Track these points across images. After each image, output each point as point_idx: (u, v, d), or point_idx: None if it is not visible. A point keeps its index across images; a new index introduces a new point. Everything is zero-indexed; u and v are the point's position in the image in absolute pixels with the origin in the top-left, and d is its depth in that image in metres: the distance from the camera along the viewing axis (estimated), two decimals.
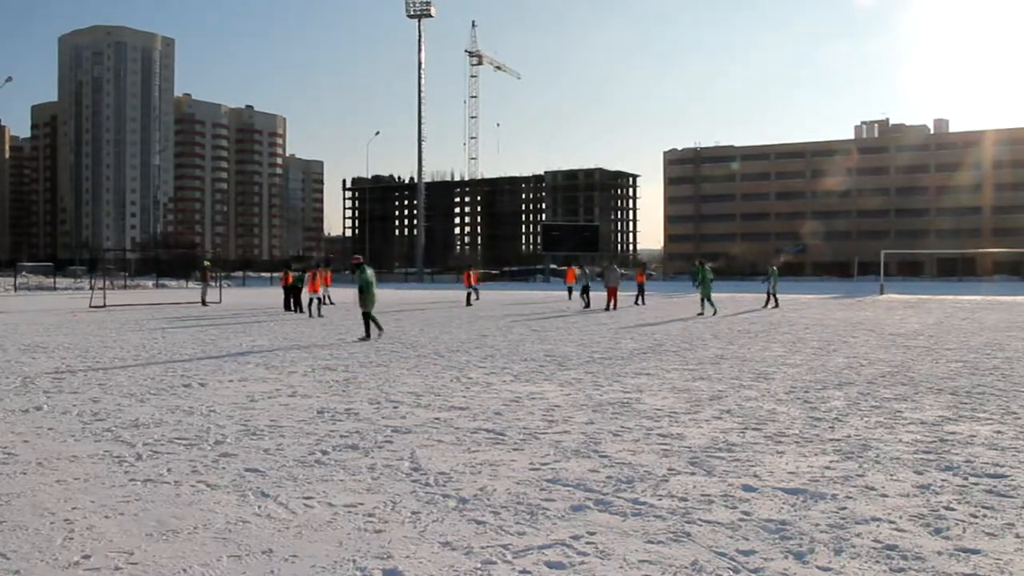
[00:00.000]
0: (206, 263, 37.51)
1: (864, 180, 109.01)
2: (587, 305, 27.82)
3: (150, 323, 20.59)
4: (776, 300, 28.18)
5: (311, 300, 23.98)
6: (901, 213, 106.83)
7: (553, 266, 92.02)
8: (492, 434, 6.73)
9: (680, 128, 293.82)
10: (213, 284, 33.29)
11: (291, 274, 26.97)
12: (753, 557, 3.89)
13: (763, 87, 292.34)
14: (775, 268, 29.52)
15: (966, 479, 5.27)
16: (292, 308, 25.64)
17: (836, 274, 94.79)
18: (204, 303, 29.72)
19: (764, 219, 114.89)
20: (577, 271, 32.32)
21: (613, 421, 7.29)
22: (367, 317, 15.68)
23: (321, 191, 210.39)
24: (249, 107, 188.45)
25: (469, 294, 31.30)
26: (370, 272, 15.75)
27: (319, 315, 23.22)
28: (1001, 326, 18.97)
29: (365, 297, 15.51)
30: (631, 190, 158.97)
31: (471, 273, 33.44)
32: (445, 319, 22.26)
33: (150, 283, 59.36)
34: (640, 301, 30.12)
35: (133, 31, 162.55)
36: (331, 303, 30.16)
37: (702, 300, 23.92)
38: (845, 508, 4.64)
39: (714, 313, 23.57)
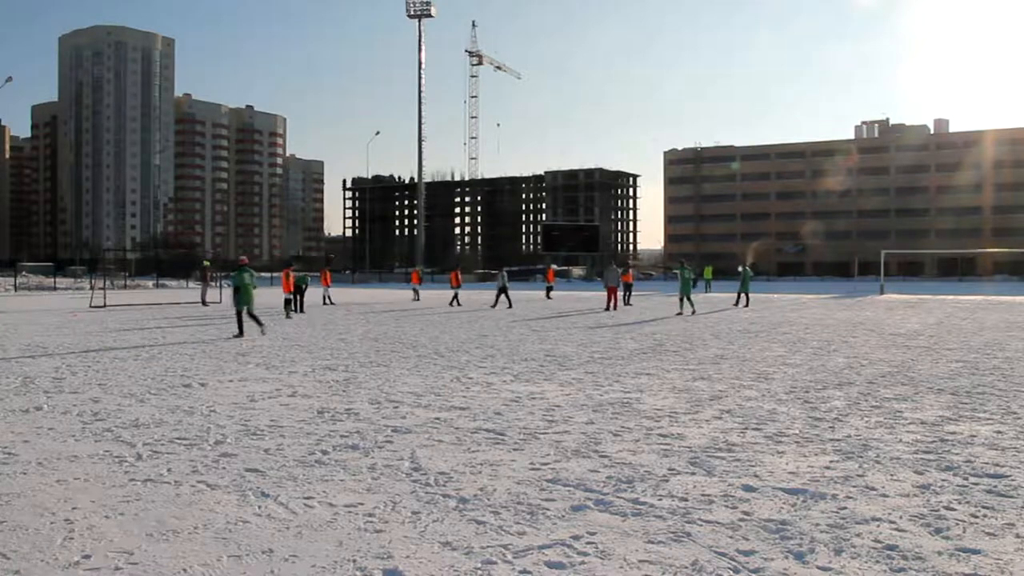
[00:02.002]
0: (206, 263, 37.53)
1: (864, 180, 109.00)
2: (494, 305, 28.50)
3: (150, 323, 20.59)
4: (745, 298, 28.78)
5: (286, 300, 23.60)
6: (901, 213, 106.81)
7: (553, 266, 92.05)
8: (492, 434, 6.73)
9: (680, 128, 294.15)
10: (213, 284, 33.27)
11: (292, 274, 26.94)
12: (753, 557, 3.89)
13: (763, 87, 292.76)
14: (746, 267, 30.55)
15: (966, 479, 5.27)
16: (292, 308, 25.63)
17: (836, 274, 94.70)
18: (204, 303, 29.71)
19: (764, 219, 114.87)
20: (506, 272, 32.36)
21: (613, 421, 7.29)
22: (239, 315, 16.51)
23: (321, 191, 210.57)
24: (249, 107, 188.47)
25: (456, 295, 31.14)
26: (248, 275, 16.69)
27: (287, 316, 22.78)
28: (1001, 326, 18.96)
29: (239, 296, 16.51)
30: (631, 190, 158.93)
31: (458, 274, 33.06)
32: (445, 319, 22.25)
33: (150, 283, 59.31)
34: (627, 301, 30.09)
35: (133, 31, 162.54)
36: (332, 303, 30.21)
37: (680, 299, 24.24)
38: (845, 508, 4.64)
39: (692, 312, 23.71)
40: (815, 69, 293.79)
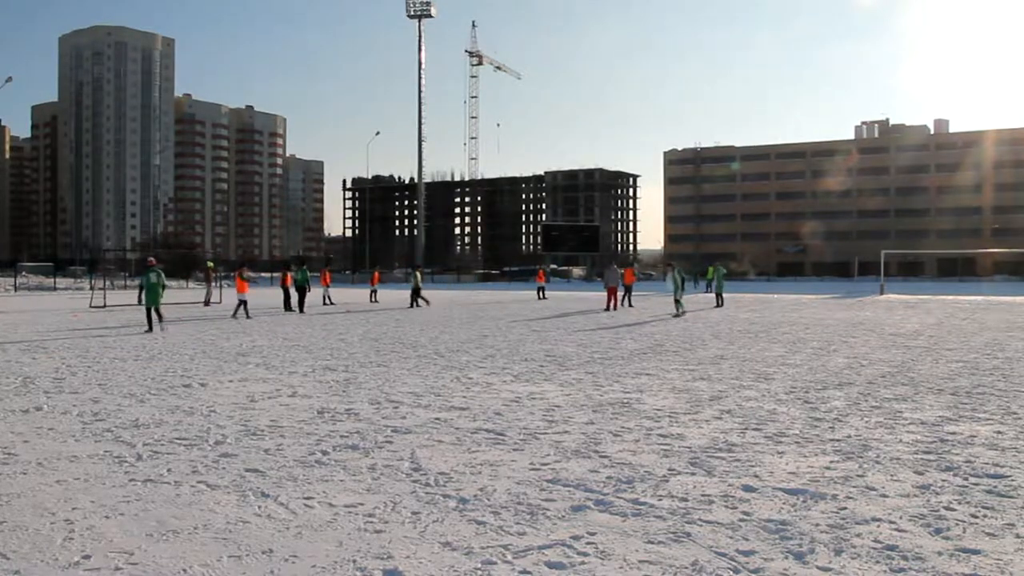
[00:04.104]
0: (210, 264, 37.52)
1: (864, 180, 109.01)
2: (411, 305, 28.99)
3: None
4: (721, 299, 29.38)
5: (240, 303, 22.97)
6: (901, 213, 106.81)
7: (554, 266, 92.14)
8: (492, 434, 6.73)
9: (680, 128, 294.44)
10: (214, 284, 33.25)
11: (289, 274, 27.03)
12: (753, 557, 3.89)
13: (763, 87, 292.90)
14: (720, 267, 31.64)
15: (966, 479, 5.27)
16: (291, 308, 25.64)
17: (836, 274, 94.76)
18: (207, 303, 29.73)
19: (764, 219, 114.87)
20: (419, 273, 32.50)
21: (613, 421, 7.29)
22: (148, 311, 17.74)
23: (321, 191, 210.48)
24: (249, 107, 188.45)
25: (419, 294, 30.78)
26: (154, 275, 17.82)
27: (247, 317, 22.27)
28: (1001, 326, 18.96)
29: (144, 294, 17.86)
30: (631, 190, 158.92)
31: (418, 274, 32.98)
32: (445, 319, 22.26)
33: None
34: (628, 302, 29.28)
35: (133, 31, 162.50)
36: (331, 303, 30.21)
37: (678, 301, 23.73)
38: (845, 508, 4.64)
39: (681, 315, 22.98)
40: (815, 69, 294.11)
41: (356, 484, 5.18)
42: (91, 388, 9.38)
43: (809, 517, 4.48)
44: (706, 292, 41.20)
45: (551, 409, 7.93)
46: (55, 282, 56.49)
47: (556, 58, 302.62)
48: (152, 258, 19.56)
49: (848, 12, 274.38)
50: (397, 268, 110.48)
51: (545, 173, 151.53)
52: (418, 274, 31.22)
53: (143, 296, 17.92)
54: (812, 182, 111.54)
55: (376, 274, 37.16)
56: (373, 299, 33.55)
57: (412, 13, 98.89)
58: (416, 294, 29.72)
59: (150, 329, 17.44)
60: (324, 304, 29.63)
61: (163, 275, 18.37)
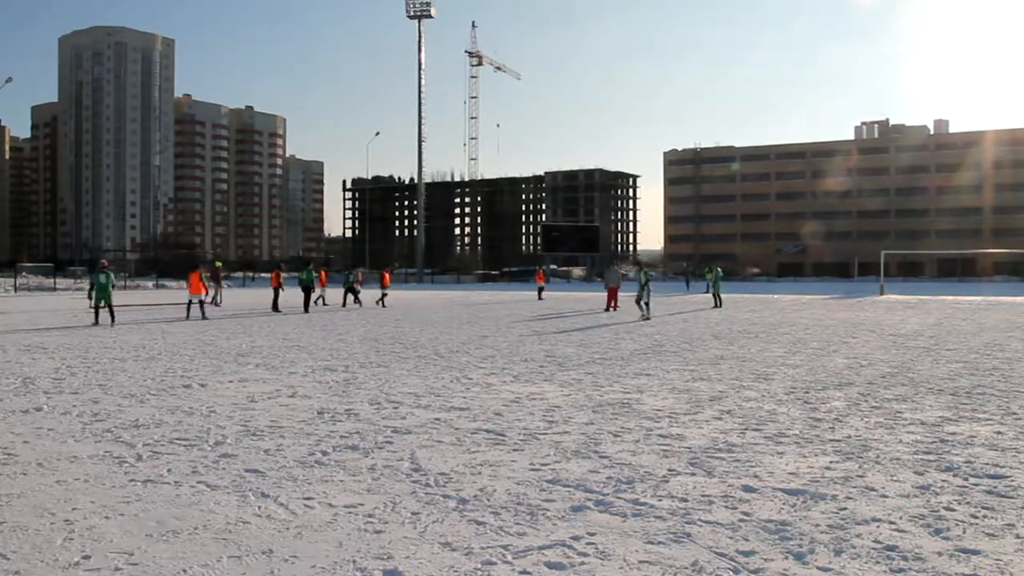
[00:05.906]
0: (217, 264, 37.54)
1: (864, 180, 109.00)
2: (343, 304, 29.57)
3: (150, 323, 20.58)
4: (719, 299, 29.38)
5: (190, 302, 22.61)
6: (901, 214, 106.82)
7: (553, 266, 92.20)
8: (492, 435, 6.73)
9: (680, 128, 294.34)
10: (224, 285, 33.26)
11: (280, 274, 27.04)
12: (753, 558, 3.88)
13: (763, 87, 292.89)
14: (718, 268, 31.69)
15: (966, 480, 5.27)
16: (279, 308, 25.57)
17: (836, 274, 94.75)
18: (215, 303, 29.71)
19: (764, 219, 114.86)
20: (361, 272, 32.99)
21: (613, 422, 7.29)
22: (95, 309, 19.60)
23: (321, 191, 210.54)
24: (249, 107, 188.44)
25: (384, 294, 30.95)
26: (103, 276, 19.69)
27: (203, 317, 22.03)
28: (1001, 326, 18.96)
29: (95, 293, 19.59)
30: (631, 190, 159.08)
31: (386, 274, 33.17)
32: (445, 319, 22.26)
33: (150, 283, 59.34)
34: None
35: (133, 31, 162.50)
36: (325, 304, 30.20)
37: (637, 302, 22.64)
38: (845, 508, 4.64)
39: (645, 318, 22.21)
40: (815, 69, 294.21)
41: (356, 484, 5.18)
42: (91, 388, 9.38)
43: (809, 517, 4.48)
44: (704, 293, 41.32)
45: (551, 409, 7.93)
46: (55, 282, 56.48)
47: (556, 58, 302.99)
48: (104, 261, 21.20)
49: (848, 12, 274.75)
50: (397, 268, 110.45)
51: (545, 173, 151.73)
52: (348, 274, 31.60)
53: (93, 294, 19.61)
54: (812, 182, 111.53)
55: (359, 274, 37.14)
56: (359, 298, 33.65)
57: (412, 13, 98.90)
58: (352, 292, 30.06)
59: (96, 323, 19.25)
60: (323, 305, 29.63)
61: (112, 276, 20.36)
